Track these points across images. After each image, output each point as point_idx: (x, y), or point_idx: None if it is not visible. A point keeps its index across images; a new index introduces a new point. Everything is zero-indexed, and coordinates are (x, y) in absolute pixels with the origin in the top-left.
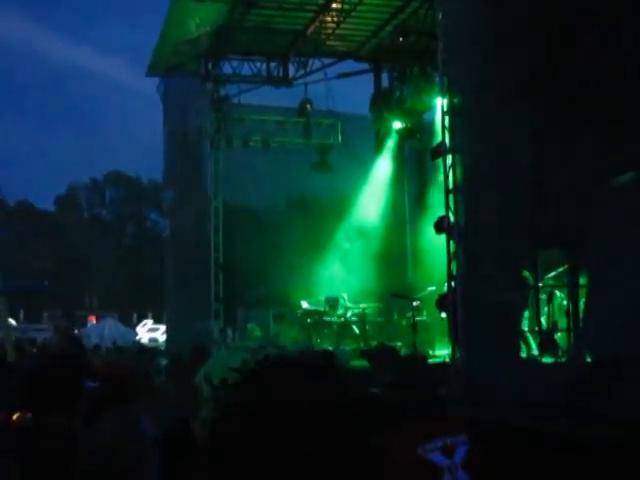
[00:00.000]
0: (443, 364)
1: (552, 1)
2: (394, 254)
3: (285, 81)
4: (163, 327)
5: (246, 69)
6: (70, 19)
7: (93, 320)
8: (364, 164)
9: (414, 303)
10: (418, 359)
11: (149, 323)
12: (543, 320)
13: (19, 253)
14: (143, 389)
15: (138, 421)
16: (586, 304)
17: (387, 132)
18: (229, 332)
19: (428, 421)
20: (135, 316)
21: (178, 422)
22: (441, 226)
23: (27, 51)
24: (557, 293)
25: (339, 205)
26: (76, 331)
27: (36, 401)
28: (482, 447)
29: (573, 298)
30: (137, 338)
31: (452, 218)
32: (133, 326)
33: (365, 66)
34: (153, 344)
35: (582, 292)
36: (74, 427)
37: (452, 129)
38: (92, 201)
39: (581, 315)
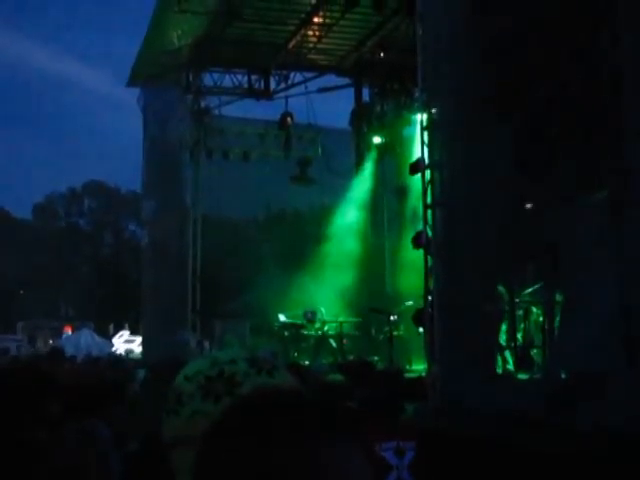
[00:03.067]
0: (419, 379)
1: (532, 18)
2: (373, 268)
3: (266, 94)
4: (139, 338)
5: (227, 81)
6: (49, 28)
7: (69, 330)
8: (343, 178)
9: (391, 317)
10: (394, 374)
11: (125, 334)
12: (519, 336)
13: None
14: (116, 401)
15: (100, 435)
16: (561, 320)
17: (367, 146)
18: (206, 344)
19: (386, 424)
20: (111, 327)
21: (151, 436)
22: (419, 241)
23: (5, 60)
24: (533, 309)
25: (318, 218)
26: (51, 341)
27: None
28: (429, 454)
29: (548, 314)
30: (113, 349)
31: (430, 233)
32: (109, 337)
33: (346, 80)
34: (129, 355)
35: (558, 309)
36: (39, 440)
37: (431, 145)
38: (70, 210)
39: (556, 331)
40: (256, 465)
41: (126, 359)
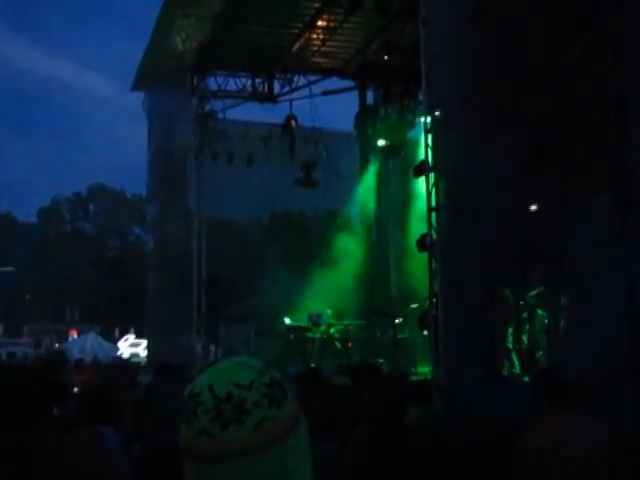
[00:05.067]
0: (424, 381)
1: (533, 25)
2: (378, 270)
3: (270, 97)
4: (145, 342)
5: (231, 85)
6: (53, 33)
7: (74, 334)
8: (348, 181)
9: (396, 320)
10: (399, 376)
11: (131, 338)
12: (525, 338)
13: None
14: (123, 406)
15: (103, 441)
16: (566, 322)
17: (371, 149)
18: (211, 348)
19: (387, 427)
20: (117, 331)
21: (162, 439)
22: (423, 244)
23: (9, 65)
24: (539, 312)
25: (323, 221)
26: (57, 345)
27: (6, 418)
28: (431, 457)
29: (554, 317)
30: (119, 353)
31: (434, 236)
32: (115, 341)
33: (350, 83)
34: (135, 359)
35: (563, 311)
36: (45, 445)
37: (435, 147)
38: (75, 214)
39: (562, 333)
40: None
41: (131, 364)
